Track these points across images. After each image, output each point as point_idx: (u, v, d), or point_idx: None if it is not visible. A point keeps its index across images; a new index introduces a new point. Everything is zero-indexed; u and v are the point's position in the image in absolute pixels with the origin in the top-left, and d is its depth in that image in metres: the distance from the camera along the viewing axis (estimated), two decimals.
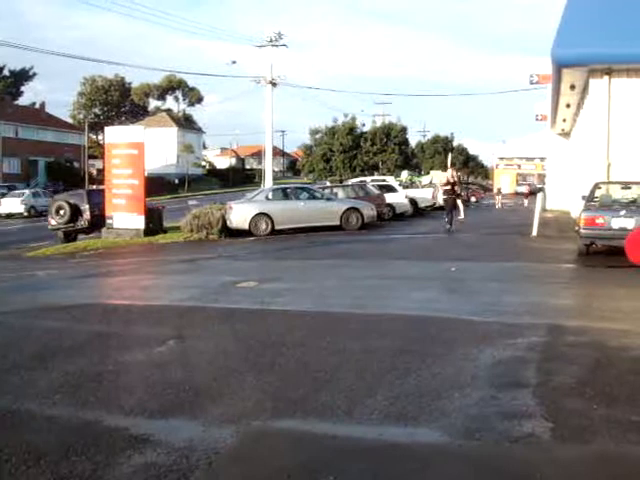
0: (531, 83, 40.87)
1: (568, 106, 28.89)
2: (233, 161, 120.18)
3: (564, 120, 34.13)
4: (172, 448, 4.90)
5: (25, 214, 49.49)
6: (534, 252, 17.49)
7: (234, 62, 49.22)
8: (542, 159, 71.48)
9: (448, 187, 26.07)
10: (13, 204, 50.61)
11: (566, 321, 8.90)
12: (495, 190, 62.77)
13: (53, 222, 27.79)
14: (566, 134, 37.87)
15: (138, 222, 25.79)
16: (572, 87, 23.82)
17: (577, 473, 4.49)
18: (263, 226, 24.83)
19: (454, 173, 27.35)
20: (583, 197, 17.12)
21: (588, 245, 15.49)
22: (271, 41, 43.33)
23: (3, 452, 4.87)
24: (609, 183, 18.44)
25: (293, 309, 10.31)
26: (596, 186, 17.27)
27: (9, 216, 49.17)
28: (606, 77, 20.34)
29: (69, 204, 27.45)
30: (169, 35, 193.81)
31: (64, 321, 9.89)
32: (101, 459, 4.73)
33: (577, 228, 15.62)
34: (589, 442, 4.95)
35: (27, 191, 53.75)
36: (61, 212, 27.43)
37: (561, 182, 37.09)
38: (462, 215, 29.08)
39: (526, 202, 50.55)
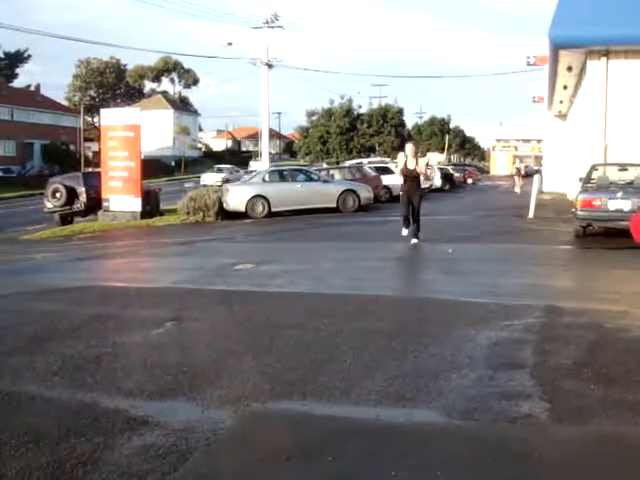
0: (528, 65, 40.85)
1: (565, 88, 28.86)
2: (229, 143, 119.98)
3: (561, 102, 34.12)
4: (171, 429, 4.91)
5: None
6: (531, 234, 17.51)
7: (230, 44, 49.02)
8: (539, 141, 71.49)
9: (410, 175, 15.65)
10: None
11: (563, 302, 8.91)
12: (513, 170, 50.46)
13: (49, 205, 27.71)
14: (563, 116, 37.87)
15: (135, 204, 25.75)
16: (569, 69, 23.80)
17: (575, 453, 4.51)
18: (260, 208, 24.81)
19: (412, 153, 15.68)
20: (580, 179, 17.14)
21: (585, 227, 15.51)
22: (267, 22, 43.09)
23: (2, 434, 4.88)
24: (606, 165, 18.47)
25: (290, 291, 10.32)
26: (593, 168, 17.29)
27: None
28: (604, 59, 20.34)
29: (65, 187, 27.37)
30: (165, 17, 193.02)
31: (61, 304, 9.89)
32: (100, 441, 4.74)
33: (574, 210, 15.64)
34: (586, 422, 4.97)
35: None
36: (57, 195, 27.36)
37: (558, 164, 37.12)
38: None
39: (517, 184, 43.21)
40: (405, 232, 15.49)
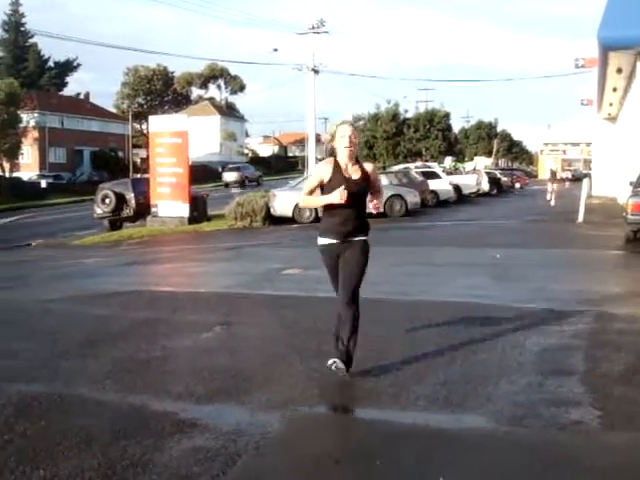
0: (577, 67, 40.32)
1: (615, 90, 28.45)
2: (276, 149, 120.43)
3: (610, 104, 33.65)
4: (220, 432, 4.95)
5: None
6: (580, 239, 17.31)
7: (276, 50, 49.20)
8: (588, 144, 70.52)
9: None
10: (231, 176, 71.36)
11: (614, 308, 8.80)
12: (549, 175, 38.74)
13: (99, 211, 28.08)
14: (613, 119, 37.34)
15: (182, 210, 25.99)
16: (619, 71, 23.45)
17: (627, 460, 4.45)
18: (307, 214, 24.87)
19: (346, 148, 6.12)
20: (631, 183, 16.89)
21: (636, 231, 15.28)
22: (313, 28, 43.25)
23: (56, 435, 4.96)
24: None
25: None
26: None
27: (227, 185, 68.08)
28: None
29: (114, 193, 27.72)
30: (212, 24, 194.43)
31: (112, 308, 10.02)
32: (150, 443, 4.79)
33: (624, 214, 15.42)
34: (638, 429, 4.90)
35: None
36: (107, 201, 27.71)
37: (608, 167, 36.61)
38: None
39: (551, 193, 34.74)
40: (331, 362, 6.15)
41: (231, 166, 77.31)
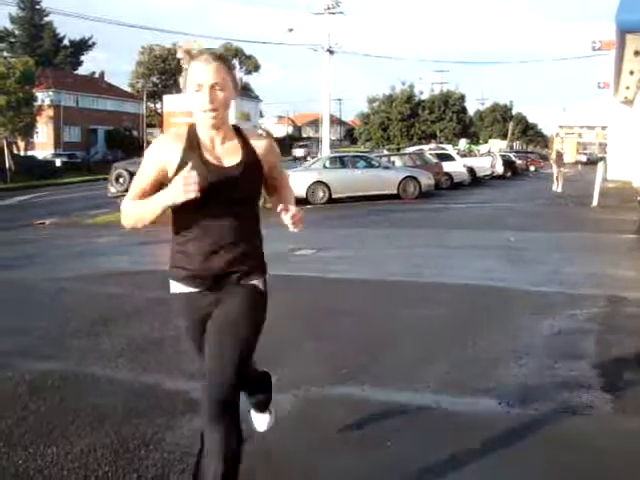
0: (593, 49, 40.00)
1: (632, 73, 28.21)
2: (290, 129, 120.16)
3: (627, 88, 33.37)
4: None
5: None
6: (594, 222, 17.23)
7: (291, 30, 48.89)
8: (604, 128, 70.06)
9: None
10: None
11: (627, 292, 8.77)
12: (553, 156, 36.39)
13: (113, 190, 28.08)
14: (629, 102, 37.04)
15: None
16: (636, 53, 23.23)
17: (638, 445, 4.44)
18: (320, 194, 24.87)
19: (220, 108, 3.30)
20: None
21: None
22: (328, 8, 43.01)
23: (69, 414, 5.00)
24: None
25: (351, 277, 10.35)
26: None
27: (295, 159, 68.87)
28: None
29: (129, 172, 27.71)
30: (227, 3, 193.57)
31: (125, 287, 10.06)
32: (162, 422, 4.83)
33: (638, 198, 15.34)
34: None
35: None
36: (120, 180, 27.72)
37: (623, 151, 36.36)
38: None
39: (557, 178, 30.98)
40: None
41: (300, 143, 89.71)
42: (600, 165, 25.06)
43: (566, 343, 6.60)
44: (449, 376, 5.66)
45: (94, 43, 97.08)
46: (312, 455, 4.37)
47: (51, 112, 70.85)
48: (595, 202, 21.33)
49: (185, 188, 2.96)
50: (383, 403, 5.20)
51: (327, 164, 26.76)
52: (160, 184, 3.19)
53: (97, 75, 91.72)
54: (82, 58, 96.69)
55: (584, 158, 79.65)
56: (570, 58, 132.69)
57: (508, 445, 4.44)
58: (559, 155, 34.00)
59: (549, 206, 22.15)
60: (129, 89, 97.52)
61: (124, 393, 5.46)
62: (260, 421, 4.13)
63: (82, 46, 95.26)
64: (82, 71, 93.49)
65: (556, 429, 4.67)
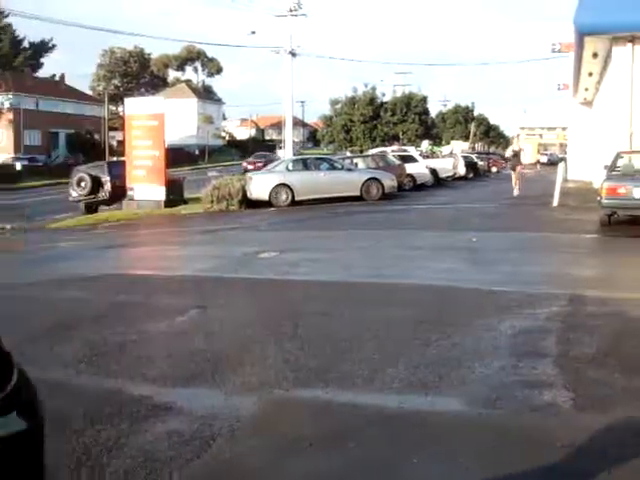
0: (553, 51, 40.49)
1: (590, 75, 28.59)
2: (253, 132, 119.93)
3: (586, 89, 33.81)
4: (194, 416, 4.95)
5: None
6: (555, 222, 17.40)
7: (253, 32, 48.77)
8: (564, 129, 70.82)
9: None
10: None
11: (587, 291, 8.86)
12: (510, 155, 32.32)
13: (74, 194, 27.88)
14: (588, 103, 37.51)
15: (159, 193, 25.85)
16: (595, 55, 23.56)
17: (598, 442, 4.49)
18: (283, 197, 24.83)
19: None
20: (605, 167, 16.99)
21: (610, 215, 15.36)
22: (290, 11, 42.98)
23: None
24: (632, 152, 18.25)
25: (314, 279, 10.34)
26: (618, 155, 17.12)
27: None
28: (629, 45, 20.11)
29: (90, 176, 27.51)
30: (189, 5, 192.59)
31: (87, 291, 9.97)
32: (125, 427, 4.79)
33: (599, 198, 15.50)
34: (610, 411, 4.94)
35: None
36: (82, 184, 27.51)
37: (583, 152, 36.78)
38: None
39: (514, 180, 27.55)
40: None
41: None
42: (561, 165, 25.29)
43: (528, 342, 6.65)
44: (413, 377, 5.67)
45: (54, 45, 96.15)
46: (276, 458, 4.35)
47: (11, 115, 70.09)
48: (556, 202, 21.51)
49: None
50: (347, 404, 5.20)
51: (290, 166, 26.73)
52: None
53: (58, 78, 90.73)
54: (42, 60, 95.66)
55: (545, 159, 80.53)
56: (531, 60, 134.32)
57: (472, 444, 4.46)
58: (516, 155, 31.32)
59: (510, 206, 22.33)
60: (90, 92, 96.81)
61: (86, 399, 5.41)
62: None
63: (42, 48, 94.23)
64: (42, 74, 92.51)
65: (519, 427, 4.71)
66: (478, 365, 5.92)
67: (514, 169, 28.46)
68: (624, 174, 15.81)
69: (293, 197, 24.84)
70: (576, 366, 5.85)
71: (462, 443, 4.48)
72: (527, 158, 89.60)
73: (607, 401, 5.10)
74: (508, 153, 25.00)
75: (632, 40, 19.99)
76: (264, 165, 44.86)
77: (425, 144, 71.68)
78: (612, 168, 16.40)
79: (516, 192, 26.75)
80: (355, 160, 33.25)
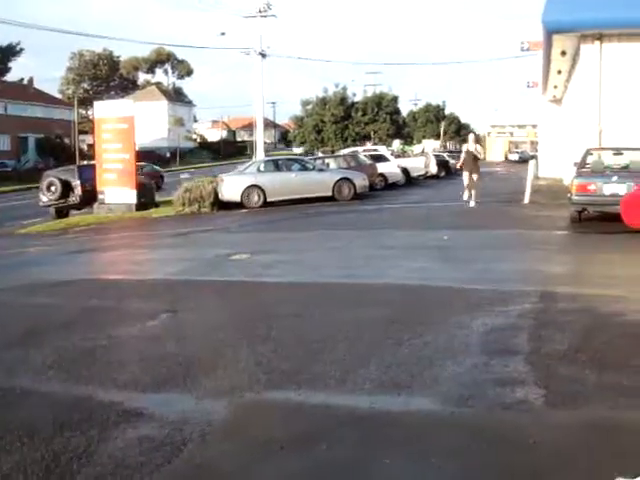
0: (522, 50, 40.63)
1: (559, 72, 28.80)
2: (224, 133, 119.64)
3: (555, 87, 34.06)
4: (165, 421, 4.91)
5: None
6: (526, 219, 17.47)
7: (223, 34, 48.62)
8: (534, 126, 71.27)
9: None
10: None
11: (558, 288, 8.91)
12: (462, 157, 23.55)
13: (44, 199, 27.60)
14: (558, 101, 37.78)
15: (130, 197, 25.69)
16: (563, 53, 23.73)
17: (569, 438, 4.50)
18: (255, 198, 24.78)
19: None
20: (575, 163, 17.10)
21: (580, 212, 15.47)
22: (260, 12, 42.91)
23: None
24: (601, 149, 18.40)
25: (286, 280, 10.32)
26: (588, 152, 17.24)
27: None
28: (597, 42, 20.27)
29: (60, 180, 27.27)
30: (157, 7, 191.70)
31: (56, 297, 9.88)
32: (95, 434, 4.73)
33: (569, 195, 15.60)
34: (581, 408, 4.97)
35: None
36: (52, 188, 27.25)
37: (553, 149, 37.04)
38: None
39: (466, 183, 21.74)
40: None
41: None
42: (531, 163, 25.42)
43: (500, 340, 6.67)
44: (385, 376, 5.66)
45: (22, 49, 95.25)
46: (247, 461, 4.33)
47: None
48: (527, 199, 21.62)
49: None
50: (319, 406, 5.18)
51: (262, 168, 26.67)
52: None
53: (26, 81, 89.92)
54: (10, 64, 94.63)
55: (516, 157, 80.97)
56: (501, 58, 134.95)
57: (445, 443, 4.46)
58: (470, 155, 22.58)
59: (481, 204, 22.41)
60: (59, 95, 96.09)
61: (55, 406, 5.35)
62: None
63: (9, 52, 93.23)
64: (10, 78, 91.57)
65: (491, 425, 4.72)
66: (450, 363, 5.93)
67: (469, 172, 21.88)
68: (594, 171, 15.92)
69: (265, 198, 24.79)
70: (547, 363, 5.87)
71: (434, 442, 4.48)
72: (498, 156, 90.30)
73: (578, 397, 5.12)
74: (462, 154, 18.34)
75: (600, 38, 20.15)
76: None
77: (396, 143, 71.85)
78: (582, 165, 16.51)
79: (472, 203, 21.24)
80: (327, 160, 33.26)
